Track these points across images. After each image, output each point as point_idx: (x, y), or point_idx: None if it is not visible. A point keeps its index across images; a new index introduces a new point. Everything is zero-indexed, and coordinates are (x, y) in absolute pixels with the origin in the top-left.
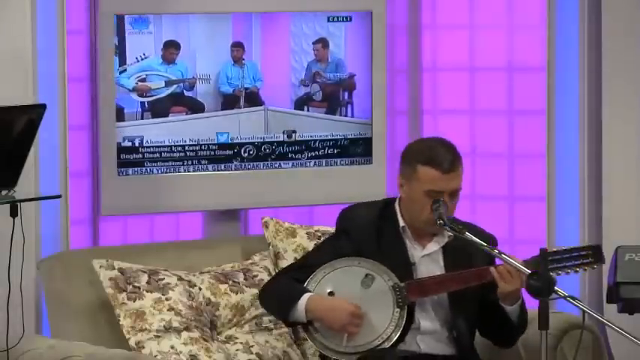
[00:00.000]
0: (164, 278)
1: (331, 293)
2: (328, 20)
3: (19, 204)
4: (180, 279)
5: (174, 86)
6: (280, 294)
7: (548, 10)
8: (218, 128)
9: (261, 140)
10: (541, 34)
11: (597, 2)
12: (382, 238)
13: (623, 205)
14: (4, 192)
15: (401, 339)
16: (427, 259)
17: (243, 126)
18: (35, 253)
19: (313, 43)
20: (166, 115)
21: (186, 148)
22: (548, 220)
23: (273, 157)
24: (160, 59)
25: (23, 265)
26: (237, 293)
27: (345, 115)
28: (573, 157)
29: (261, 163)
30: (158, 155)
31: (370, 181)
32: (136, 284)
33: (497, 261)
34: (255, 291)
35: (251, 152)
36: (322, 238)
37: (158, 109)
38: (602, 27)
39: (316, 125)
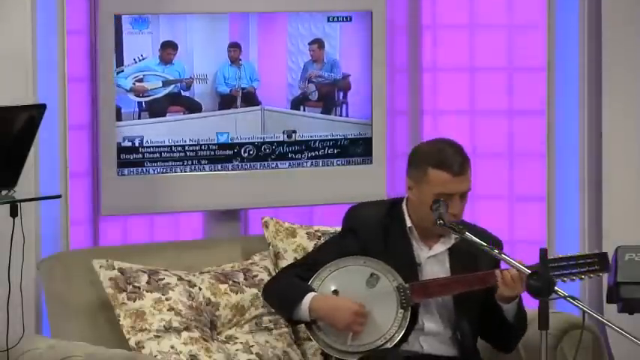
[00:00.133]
0: (164, 278)
1: (335, 292)
2: (328, 20)
3: (19, 204)
4: (180, 279)
5: (172, 86)
6: (284, 292)
7: (548, 10)
8: (217, 128)
9: (261, 140)
10: (541, 34)
11: (597, 2)
12: (389, 237)
13: (623, 205)
14: (4, 192)
15: (404, 339)
16: (433, 260)
17: (240, 126)
18: (35, 253)
19: (309, 44)
20: (164, 115)
21: (186, 148)
22: (548, 220)
23: (273, 157)
24: (157, 59)
25: (23, 265)
26: (237, 293)
27: (340, 115)
28: (573, 157)
29: (261, 163)
30: (158, 155)
31: (370, 181)
32: (135, 284)
33: (503, 265)
34: (255, 291)
35: (251, 152)
36: (322, 238)
37: (155, 109)
38: (602, 27)
39: (314, 125)
